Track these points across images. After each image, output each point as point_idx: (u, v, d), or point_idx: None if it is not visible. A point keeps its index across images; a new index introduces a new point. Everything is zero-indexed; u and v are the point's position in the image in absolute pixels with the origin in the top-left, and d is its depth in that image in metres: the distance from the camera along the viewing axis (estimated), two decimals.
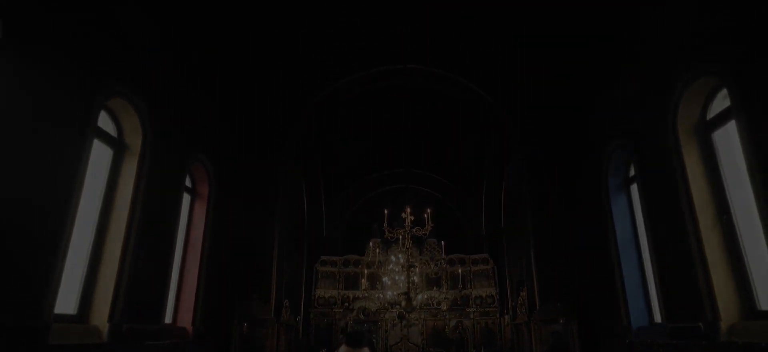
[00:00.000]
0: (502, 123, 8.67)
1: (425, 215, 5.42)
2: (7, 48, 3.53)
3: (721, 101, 4.73)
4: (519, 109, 8.12)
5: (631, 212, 6.70)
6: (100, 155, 5.01)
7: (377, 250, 10.82)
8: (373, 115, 10.49)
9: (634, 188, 6.50)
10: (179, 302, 6.62)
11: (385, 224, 5.41)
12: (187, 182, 6.85)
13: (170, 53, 5.99)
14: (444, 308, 10.85)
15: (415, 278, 7.57)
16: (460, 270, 10.45)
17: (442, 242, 6.97)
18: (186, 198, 6.79)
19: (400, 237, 5.63)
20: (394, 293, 7.78)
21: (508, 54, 7.55)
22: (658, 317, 5.88)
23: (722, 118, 4.68)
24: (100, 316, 4.77)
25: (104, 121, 5.05)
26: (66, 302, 4.54)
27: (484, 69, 7.82)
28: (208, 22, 6.26)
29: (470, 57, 7.64)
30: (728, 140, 4.68)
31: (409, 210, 5.58)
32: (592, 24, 6.37)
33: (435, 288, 12.17)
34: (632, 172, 6.55)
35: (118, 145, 5.29)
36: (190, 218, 7.02)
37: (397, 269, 8.78)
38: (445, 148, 12.84)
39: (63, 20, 4.18)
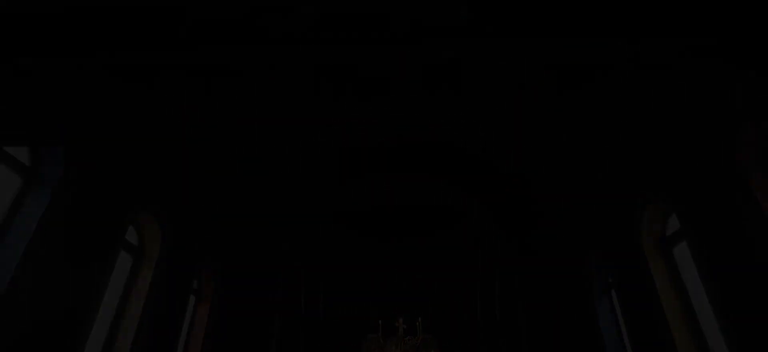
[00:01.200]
0: (492, 226, 9.27)
1: (417, 323, 5.77)
2: (66, 180, 4.25)
3: (676, 221, 5.36)
4: (510, 215, 8.77)
5: (616, 317, 7.03)
6: (121, 262, 5.53)
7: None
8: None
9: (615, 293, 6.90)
10: None
11: (380, 333, 5.73)
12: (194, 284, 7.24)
13: (191, 175, 6.75)
14: None
15: None
16: None
17: None
18: (191, 298, 7.13)
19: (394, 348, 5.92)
20: None
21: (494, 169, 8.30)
22: None
23: (678, 237, 5.27)
24: None
25: (129, 232, 5.64)
26: None
27: (474, 178, 8.58)
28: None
29: (461, 171, 8.42)
30: (687, 256, 5.24)
31: (401, 321, 5.93)
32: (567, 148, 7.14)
33: None
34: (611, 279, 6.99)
35: (137, 253, 5.82)
36: (193, 319, 7.29)
37: None
38: (440, 242, 13.30)
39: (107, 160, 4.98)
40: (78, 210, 4.46)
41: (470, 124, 6.02)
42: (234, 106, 5.24)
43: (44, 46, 3.65)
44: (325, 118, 5.77)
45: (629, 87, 4.83)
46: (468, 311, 14.12)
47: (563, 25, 4.30)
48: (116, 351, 5.31)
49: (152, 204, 5.76)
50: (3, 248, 3.82)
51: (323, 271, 13.17)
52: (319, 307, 13.65)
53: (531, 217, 8.44)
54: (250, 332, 8.11)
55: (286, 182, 7.75)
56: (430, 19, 4.38)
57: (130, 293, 5.63)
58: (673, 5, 4.01)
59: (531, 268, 8.53)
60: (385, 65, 4.87)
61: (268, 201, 8.26)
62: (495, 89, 5.17)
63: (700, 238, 4.61)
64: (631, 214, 5.79)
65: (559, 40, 4.39)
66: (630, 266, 5.94)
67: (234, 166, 7.08)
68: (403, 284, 14.07)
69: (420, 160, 7.50)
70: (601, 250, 6.93)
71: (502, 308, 12.54)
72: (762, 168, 4.07)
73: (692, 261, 4.82)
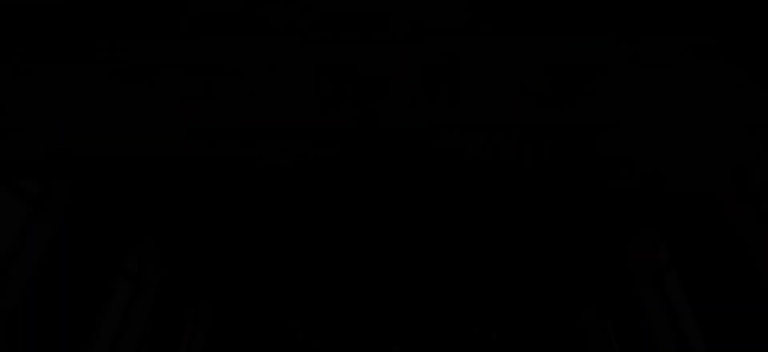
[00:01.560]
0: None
1: None
2: (70, 210, 4.18)
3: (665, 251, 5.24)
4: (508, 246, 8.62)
5: (610, 343, 6.79)
6: (120, 288, 5.35)
7: None
8: None
9: None
10: None
11: None
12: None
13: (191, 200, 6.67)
14: None
15: None
16: None
17: None
18: (188, 326, 6.88)
19: None
20: None
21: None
22: None
23: (667, 266, 5.13)
24: None
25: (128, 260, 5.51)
26: None
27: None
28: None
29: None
30: (676, 283, 5.08)
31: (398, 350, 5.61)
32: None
33: None
34: None
35: (137, 280, 5.65)
36: (190, 346, 7.02)
37: None
38: (433, 265, 12.98)
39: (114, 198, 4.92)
40: (82, 239, 4.44)
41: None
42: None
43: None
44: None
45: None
46: (464, 335, 13.64)
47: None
48: None
49: (153, 233, 5.65)
50: (7, 276, 3.74)
51: (320, 300, 12.84)
52: (315, 333, 13.20)
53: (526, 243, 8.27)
54: None
55: (285, 202, 7.65)
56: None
57: (128, 320, 5.44)
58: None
59: (527, 295, 8.32)
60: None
61: (268, 225, 8.13)
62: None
63: (690, 268, 4.51)
64: (623, 240, 5.68)
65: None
66: (623, 293, 5.79)
67: (234, 183, 7.01)
68: (400, 314, 13.66)
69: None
70: (595, 276, 6.77)
71: (499, 335, 12.13)
72: (746, 201, 3.99)
73: (683, 289, 4.68)
